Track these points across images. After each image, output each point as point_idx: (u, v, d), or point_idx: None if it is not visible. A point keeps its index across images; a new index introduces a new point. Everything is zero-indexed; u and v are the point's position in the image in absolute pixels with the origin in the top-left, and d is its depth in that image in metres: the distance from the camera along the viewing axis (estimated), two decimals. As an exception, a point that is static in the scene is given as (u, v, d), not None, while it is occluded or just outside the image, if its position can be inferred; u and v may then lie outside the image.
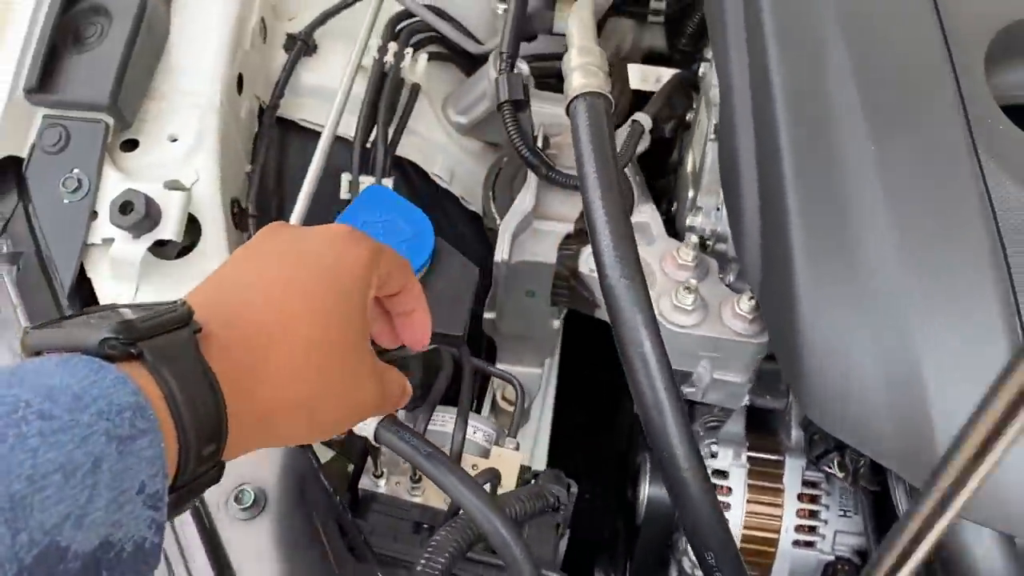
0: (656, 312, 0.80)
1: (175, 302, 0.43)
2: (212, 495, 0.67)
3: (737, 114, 0.78)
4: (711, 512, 0.70)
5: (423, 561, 0.64)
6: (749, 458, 0.91)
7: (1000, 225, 0.67)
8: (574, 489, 0.81)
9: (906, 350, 0.64)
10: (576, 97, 0.76)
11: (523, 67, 0.92)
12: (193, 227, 0.78)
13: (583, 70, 0.77)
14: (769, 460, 0.91)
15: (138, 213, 0.70)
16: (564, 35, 1.06)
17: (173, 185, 0.75)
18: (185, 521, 0.66)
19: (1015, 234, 0.66)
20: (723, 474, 0.91)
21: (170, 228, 0.73)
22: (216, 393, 0.42)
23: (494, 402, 1.01)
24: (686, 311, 0.79)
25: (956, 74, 0.73)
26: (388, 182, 0.93)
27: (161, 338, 0.41)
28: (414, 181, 1.02)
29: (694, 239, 0.80)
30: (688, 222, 0.87)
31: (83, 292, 0.75)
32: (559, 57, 1.11)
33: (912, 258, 0.65)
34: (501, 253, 0.85)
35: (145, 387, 0.38)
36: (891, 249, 0.66)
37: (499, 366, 1.03)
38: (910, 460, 0.66)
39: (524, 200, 0.87)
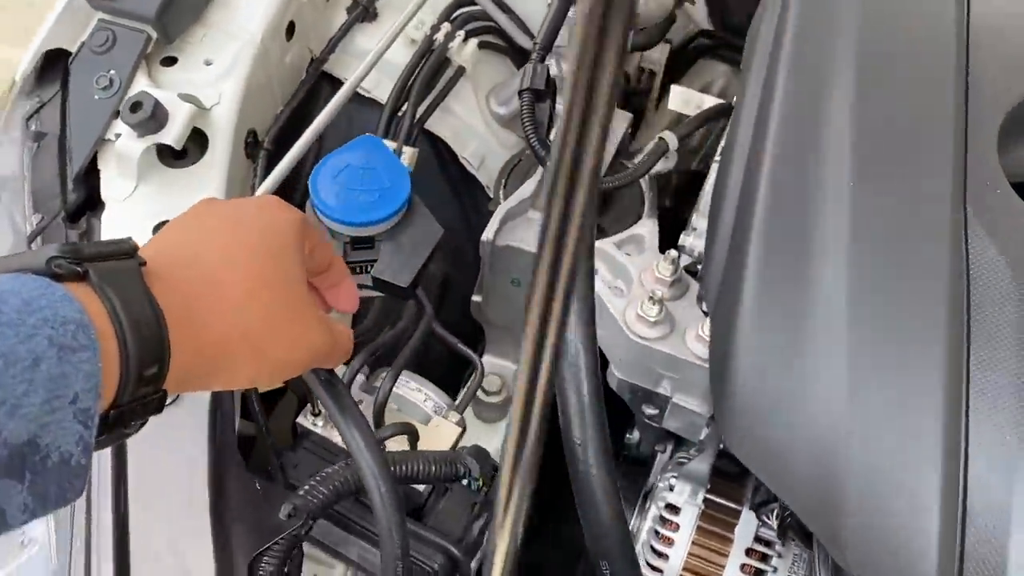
0: (620, 320, 0.80)
1: (122, 239, 0.47)
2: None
3: (739, 136, 0.77)
4: (611, 516, 0.69)
5: (306, 487, 0.65)
6: (706, 500, 0.89)
7: (971, 293, 0.63)
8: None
9: (834, 402, 0.61)
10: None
11: (562, 66, 0.93)
12: (204, 144, 0.83)
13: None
14: (726, 507, 0.88)
15: (144, 113, 0.75)
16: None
17: (187, 98, 0.80)
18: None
19: (986, 306, 0.63)
20: (675, 509, 0.88)
21: (172, 134, 0.77)
22: (158, 315, 0.44)
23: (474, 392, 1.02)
24: (648, 322, 0.78)
25: (966, 133, 0.70)
26: (409, 151, 0.95)
27: (106, 263, 0.44)
28: (445, 159, 1.05)
29: (673, 254, 0.79)
30: (680, 241, 0.85)
31: (90, 182, 0.81)
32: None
33: (862, 310, 0.63)
34: (488, 232, 0.86)
35: (89, 307, 0.41)
36: (843, 296, 0.63)
37: (486, 357, 1.04)
38: (816, 510, 0.63)
39: (526, 188, 0.88)
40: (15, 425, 0.36)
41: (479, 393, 1.00)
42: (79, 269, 0.42)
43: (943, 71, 0.72)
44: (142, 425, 0.47)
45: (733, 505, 0.89)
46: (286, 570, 0.64)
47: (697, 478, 0.90)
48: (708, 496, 0.89)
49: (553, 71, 0.88)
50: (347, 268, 0.65)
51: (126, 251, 0.46)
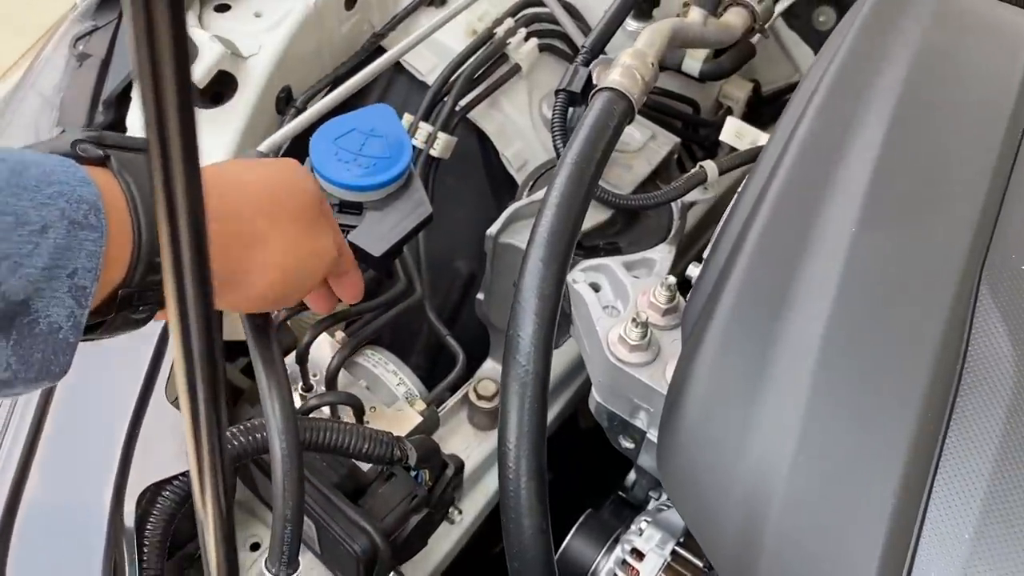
0: (603, 338, 0.75)
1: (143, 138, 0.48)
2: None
3: (758, 172, 0.72)
4: (532, 533, 0.64)
5: (232, 430, 0.64)
6: (674, 553, 0.83)
7: (963, 376, 0.56)
8: (448, 471, 0.78)
9: (778, 458, 0.55)
10: (602, 89, 0.73)
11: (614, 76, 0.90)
12: (232, 90, 0.84)
13: (625, 70, 0.74)
14: (694, 565, 0.82)
15: (173, 46, 0.77)
16: (689, 75, 1.05)
17: (224, 42, 0.81)
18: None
19: (976, 394, 0.55)
20: (639, 555, 0.83)
21: (196, 72, 0.79)
22: None
23: (467, 396, 0.99)
24: (629, 344, 0.73)
25: (1003, 200, 0.63)
26: (445, 137, 0.94)
27: (127, 153, 0.45)
28: (488, 155, 1.03)
29: (671, 280, 0.74)
30: (688, 271, 0.80)
31: (119, 108, 0.83)
32: (672, 95, 1.09)
33: (831, 368, 0.56)
34: (492, 228, 0.83)
35: (106, 190, 0.42)
36: (814, 349, 0.57)
37: (488, 362, 1.01)
38: (732, 568, 0.57)
39: (543, 192, 0.85)
40: (14, 282, 0.38)
41: (471, 396, 0.96)
42: (101, 153, 0.44)
43: (992, 130, 0.65)
44: (148, 317, 0.48)
45: (702, 564, 0.82)
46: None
47: (670, 528, 0.84)
48: (677, 549, 0.83)
49: (595, 78, 0.85)
50: (355, 260, 0.66)
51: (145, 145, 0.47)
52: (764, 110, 1.28)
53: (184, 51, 0.22)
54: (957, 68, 0.69)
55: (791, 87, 1.28)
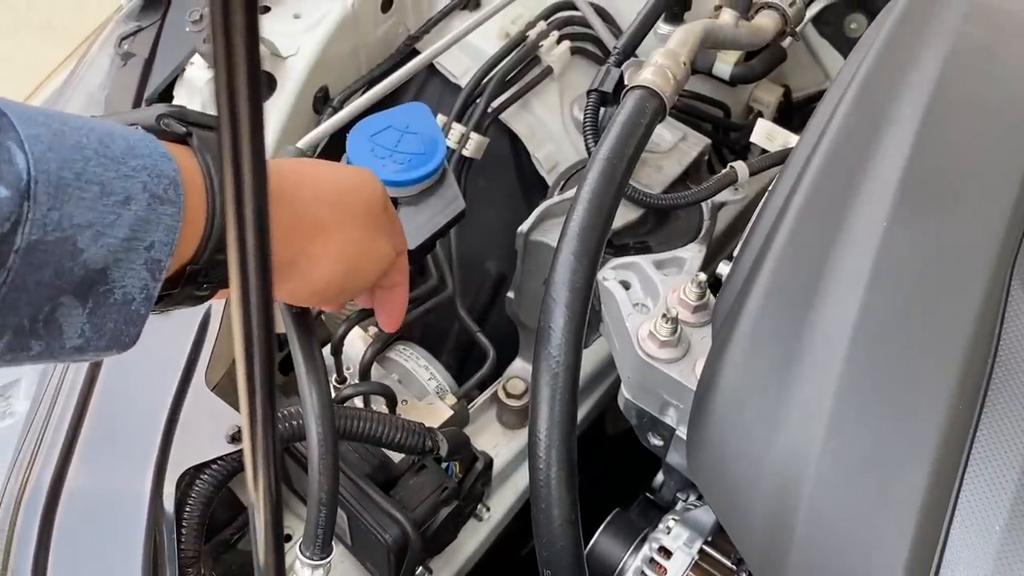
0: (633, 335, 0.76)
1: None
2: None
3: (789, 167, 0.73)
4: (561, 523, 0.65)
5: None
6: (702, 551, 0.83)
7: (995, 370, 0.56)
8: (479, 465, 0.78)
9: (808, 443, 0.56)
10: (635, 87, 0.74)
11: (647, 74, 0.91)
12: (271, 88, 0.86)
13: (657, 69, 0.75)
14: (722, 564, 0.82)
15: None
16: (720, 78, 1.05)
17: (263, 43, 0.83)
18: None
19: (1008, 388, 0.55)
20: (667, 553, 0.83)
21: (237, 70, 0.80)
22: None
23: (496, 394, 1.00)
24: (659, 340, 0.73)
25: (1036, 195, 0.63)
26: (477, 138, 0.96)
27: (209, 132, 0.46)
28: (520, 157, 1.05)
29: (702, 277, 0.75)
30: (718, 269, 0.81)
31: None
32: (702, 98, 1.09)
33: (861, 358, 0.57)
34: (524, 225, 0.84)
35: (185, 166, 0.44)
36: (844, 339, 0.57)
37: (517, 361, 1.02)
38: (762, 561, 0.57)
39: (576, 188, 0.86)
40: (95, 251, 0.39)
41: (500, 395, 0.97)
42: (183, 130, 0.45)
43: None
44: (210, 295, 0.49)
45: (729, 564, 0.82)
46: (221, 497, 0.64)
47: (698, 526, 0.84)
48: (705, 548, 0.83)
49: (626, 79, 0.86)
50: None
51: None
52: (794, 116, 1.28)
53: (255, 40, 0.23)
54: (990, 65, 0.69)
55: (821, 94, 1.28)
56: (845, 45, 1.42)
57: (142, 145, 0.42)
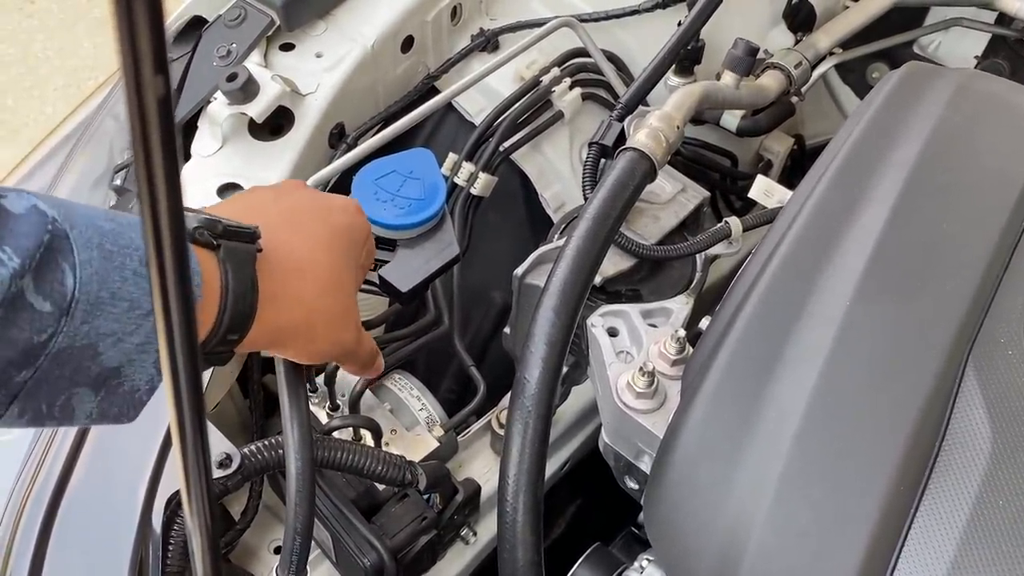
0: (612, 383, 0.79)
1: (250, 228, 0.54)
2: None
3: (771, 233, 0.75)
4: (525, 566, 0.68)
5: (251, 446, 0.69)
6: (672, 593, 0.86)
7: (942, 450, 0.59)
8: (459, 497, 0.82)
9: (755, 509, 0.59)
10: (627, 148, 0.78)
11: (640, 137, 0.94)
12: (290, 124, 0.90)
13: (651, 131, 0.79)
14: (691, 607, 0.85)
15: (236, 84, 0.84)
16: (727, 129, 1.08)
17: (285, 81, 0.88)
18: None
19: (950, 473, 0.58)
20: (638, 589, 0.86)
21: (256, 108, 0.85)
22: (255, 298, 0.53)
23: (489, 423, 1.03)
24: (635, 392, 0.77)
25: (999, 285, 0.65)
26: (485, 177, 0.99)
27: (233, 243, 0.52)
28: (529, 195, 1.08)
29: (682, 333, 0.78)
30: (701, 324, 0.84)
31: (186, 135, 0.90)
32: (711, 147, 1.12)
33: (811, 432, 0.60)
34: (519, 269, 0.88)
35: (207, 272, 0.50)
36: (798, 411, 0.60)
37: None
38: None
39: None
40: (113, 353, 0.45)
41: (494, 424, 1.01)
42: (215, 243, 0.51)
43: (996, 215, 0.67)
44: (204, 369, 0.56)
45: (698, 607, 0.85)
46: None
47: (671, 568, 0.87)
48: (676, 590, 0.86)
49: (628, 132, 0.89)
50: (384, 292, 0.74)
51: (250, 236, 0.54)
52: (808, 164, 1.30)
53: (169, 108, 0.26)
54: (969, 151, 0.71)
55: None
56: (867, 93, 1.44)
57: None
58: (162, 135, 0.25)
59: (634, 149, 0.77)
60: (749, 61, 0.90)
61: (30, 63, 2.74)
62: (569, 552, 0.96)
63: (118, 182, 0.87)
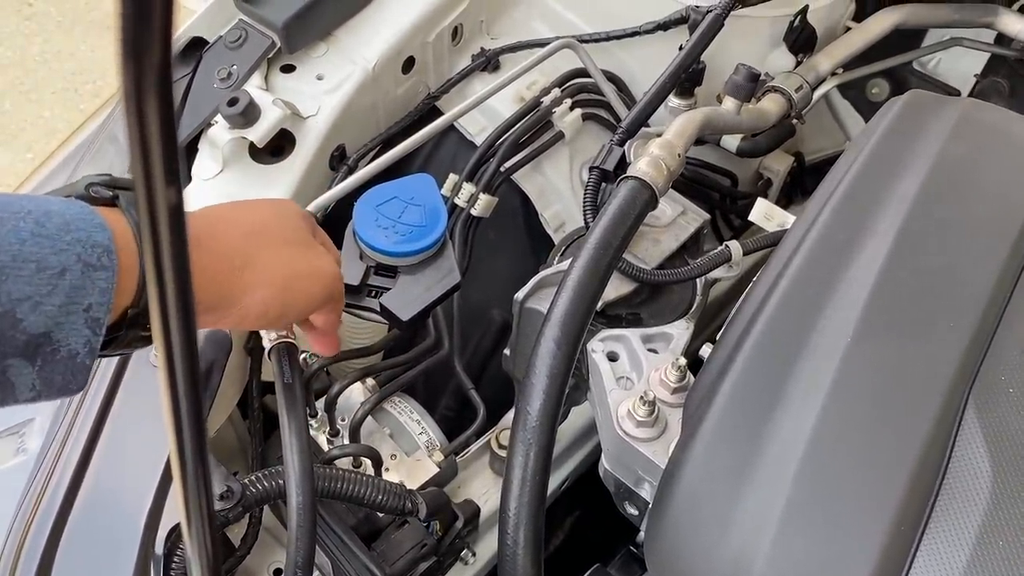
0: (613, 410, 0.79)
1: None
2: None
3: (773, 261, 0.76)
4: None
5: (250, 477, 0.69)
6: (670, 615, 0.86)
7: (941, 493, 0.59)
8: (458, 524, 0.82)
9: (755, 548, 0.59)
10: (628, 177, 0.78)
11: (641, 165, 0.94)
12: (291, 146, 0.90)
13: (652, 160, 0.79)
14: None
15: (237, 108, 0.83)
16: (727, 149, 1.08)
17: (286, 104, 0.88)
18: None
19: (951, 512, 0.58)
20: (633, 613, 0.87)
21: (258, 132, 0.85)
22: None
23: (488, 443, 1.03)
24: (635, 420, 0.77)
25: (1000, 321, 0.65)
26: (486, 198, 0.99)
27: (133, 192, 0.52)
28: (529, 214, 1.08)
29: (682, 361, 0.78)
30: (702, 351, 0.84)
31: (187, 157, 0.90)
32: (711, 167, 1.12)
33: (812, 470, 0.60)
34: (520, 293, 0.88)
35: (116, 227, 0.49)
36: (799, 449, 0.61)
37: (512, 412, 1.05)
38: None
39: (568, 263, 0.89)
40: (35, 318, 0.45)
41: (492, 445, 1.01)
42: (110, 194, 0.51)
43: (997, 250, 0.67)
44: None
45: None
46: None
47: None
48: (673, 613, 0.86)
49: (629, 156, 0.90)
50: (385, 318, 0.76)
51: None
52: (808, 181, 1.30)
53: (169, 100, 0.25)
54: (970, 183, 0.72)
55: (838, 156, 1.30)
56: (867, 109, 1.44)
57: (78, 219, 0.47)
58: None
59: (635, 178, 0.77)
60: (750, 87, 0.90)
61: (28, 66, 2.73)
62: (568, 563, 0.96)
63: None
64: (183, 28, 0.95)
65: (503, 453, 1.02)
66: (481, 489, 1.01)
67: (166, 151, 0.24)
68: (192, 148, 0.90)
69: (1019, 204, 0.70)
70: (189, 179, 0.89)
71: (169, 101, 0.25)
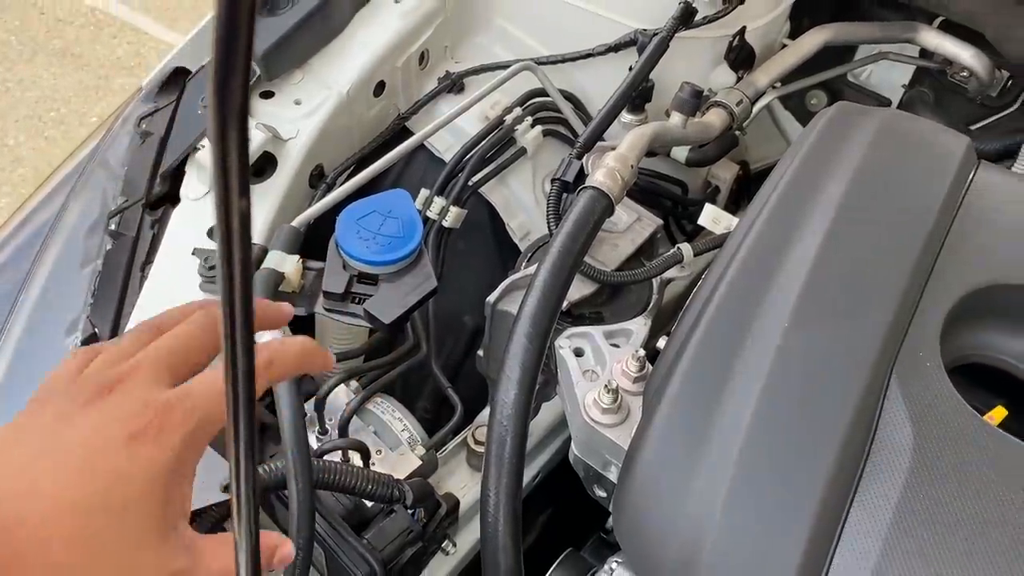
0: (580, 400, 0.87)
1: None
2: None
3: (718, 261, 0.84)
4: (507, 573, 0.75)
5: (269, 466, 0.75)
6: (643, 596, 0.93)
7: (871, 455, 0.67)
8: (441, 511, 0.89)
9: (711, 509, 0.66)
10: (587, 187, 0.86)
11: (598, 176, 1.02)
12: (273, 167, 0.97)
13: (608, 171, 0.87)
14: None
15: (223, 133, 0.90)
16: (677, 160, 1.17)
17: (267, 128, 0.94)
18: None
19: (879, 472, 0.66)
20: (607, 592, 0.93)
21: (242, 155, 0.91)
22: None
23: (465, 440, 1.10)
24: (601, 408, 0.84)
25: (918, 304, 0.74)
26: (455, 211, 1.07)
27: None
28: (495, 225, 1.16)
29: (641, 353, 0.86)
30: (659, 344, 0.92)
31: (174, 180, 0.96)
32: (663, 177, 1.20)
33: (756, 440, 0.68)
34: (492, 296, 0.95)
35: None
36: (744, 421, 0.68)
37: (486, 410, 1.12)
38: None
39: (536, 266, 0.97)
40: None
41: (469, 441, 1.08)
42: None
43: (912, 242, 0.76)
44: None
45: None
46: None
47: (639, 569, 0.94)
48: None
49: (587, 168, 0.98)
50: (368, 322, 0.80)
51: None
52: (753, 187, 1.39)
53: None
54: (888, 187, 0.81)
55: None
56: (807, 119, 1.54)
57: None
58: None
59: (593, 188, 0.85)
60: (694, 103, 0.99)
61: (-10, 95, 2.76)
62: (543, 559, 1.03)
63: (113, 227, 0.92)
64: (166, 59, 1.01)
65: (480, 449, 1.09)
66: (460, 483, 1.08)
67: (241, 167, 0.30)
68: (179, 171, 0.96)
69: (930, 204, 0.79)
70: (178, 199, 0.95)
71: (246, 124, 0.30)
